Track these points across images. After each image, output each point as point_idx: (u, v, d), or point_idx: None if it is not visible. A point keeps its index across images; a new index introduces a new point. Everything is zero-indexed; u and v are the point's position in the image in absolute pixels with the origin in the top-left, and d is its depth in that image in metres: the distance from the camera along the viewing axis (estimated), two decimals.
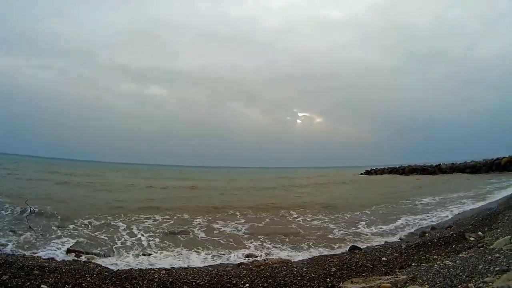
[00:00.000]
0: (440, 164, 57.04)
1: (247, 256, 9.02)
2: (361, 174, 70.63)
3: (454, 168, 50.42)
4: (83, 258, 7.99)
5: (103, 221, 12.61)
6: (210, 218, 14.25)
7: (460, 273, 4.90)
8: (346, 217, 14.80)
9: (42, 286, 5.33)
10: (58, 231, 10.80)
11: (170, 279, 6.13)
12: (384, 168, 69.29)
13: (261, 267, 7.43)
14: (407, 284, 4.96)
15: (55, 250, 8.62)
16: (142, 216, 13.94)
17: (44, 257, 7.83)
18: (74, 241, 9.64)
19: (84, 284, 5.55)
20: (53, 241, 9.62)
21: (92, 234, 10.75)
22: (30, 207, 12.90)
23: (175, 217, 14.21)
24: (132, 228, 11.79)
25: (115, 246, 9.60)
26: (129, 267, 7.31)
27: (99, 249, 8.87)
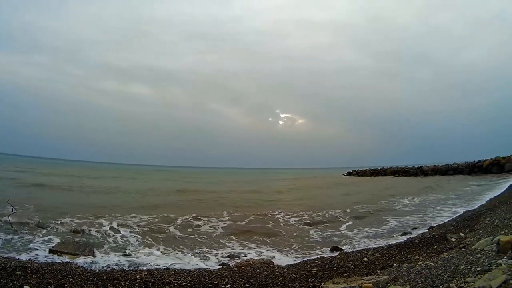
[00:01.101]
0: (422, 166, 58.30)
1: (229, 256, 9.01)
2: (344, 175, 71.63)
3: (436, 170, 51.65)
4: (66, 258, 7.94)
5: (85, 221, 12.57)
6: (194, 218, 14.27)
7: (442, 274, 4.96)
8: (328, 218, 14.89)
9: (24, 286, 5.32)
10: (40, 231, 10.68)
11: (152, 280, 6.16)
12: (366, 169, 70.58)
13: (243, 267, 7.43)
14: (389, 284, 4.97)
15: (38, 251, 8.53)
16: (126, 216, 13.91)
17: (26, 258, 7.77)
18: (57, 241, 9.56)
19: (66, 285, 5.56)
20: (36, 241, 9.52)
21: (74, 234, 10.68)
22: (12, 207, 12.45)
23: (159, 216, 14.29)
24: (115, 228, 11.74)
25: (98, 246, 9.54)
26: (111, 268, 7.31)
27: (81, 249, 8.79)
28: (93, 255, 8.50)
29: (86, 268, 7.07)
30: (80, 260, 7.79)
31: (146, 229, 11.88)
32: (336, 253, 8.78)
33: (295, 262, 8.05)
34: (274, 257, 8.97)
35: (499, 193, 18.96)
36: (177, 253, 9.19)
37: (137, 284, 5.89)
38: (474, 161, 48.33)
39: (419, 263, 6.19)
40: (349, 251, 9.08)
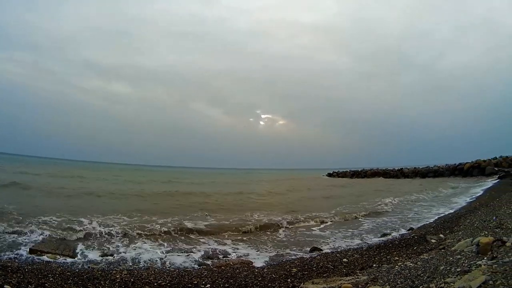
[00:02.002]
0: (402, 168, 59.40)
1: (208, 256, 8.96)
2: (323, 176, 72.37)
3: (416, 172, 52.69)
4: (46, 257, 7.89)
5: (65, 220, 12.49)
6: (175, 218, 14.15)
7: (422, 274, 4.99)
8: (307, 218, 14.86)
9: (5, 286, 5.31)
10: (20, 230, 10.49)
11: (132, 279, 6.22)
12: (347, 171, 71.63)
13: (222, 267, 7.46)
14: (368, 284, 4.97)
15: (18, 250, 8.42)
16: (107, 216, 13.81)
17: (6, 257, 7.70)
18: (37, 240, 9.51)
19: (46, 284, 5.57)
20: (15, 241, 9.44)
21: (55, 233, 10.56)
22: None
23: (140, 217, 14.10)
24: (96, 228, 11.65)
25: (78, 245, 9.49)
26: (91, 267, 7.29)
27: (61, 248, 8.74)
28: (74, 255, 8.48)
29: (67, 267, 7.04)
30: (61, 260, 7.81)
31: (127, 228, 11.78)
32: (316, 254, 8.79)
33: (275, 262, 8.05)
34: (253, 257, 8.93)
35: (477, 196, 19.38)
36: (157, 253, 9.17)
37: (117, 284, 5.91)
38: (455, 164, 49.55)
39: (398, 264, 6.24)
40: (329, 251, 9.11)
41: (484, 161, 44.09)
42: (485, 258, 4.77)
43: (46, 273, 6.17)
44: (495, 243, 5.26)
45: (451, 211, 14.80)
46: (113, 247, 9.52)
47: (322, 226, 13.37)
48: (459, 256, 5.42)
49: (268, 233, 12.07)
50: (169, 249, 9.64)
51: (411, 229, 11.58)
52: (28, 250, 8.35)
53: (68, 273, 6.35)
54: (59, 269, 6.68)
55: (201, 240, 10.87)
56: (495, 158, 46.58)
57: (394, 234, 11.07)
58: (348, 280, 5.28)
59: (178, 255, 9.00)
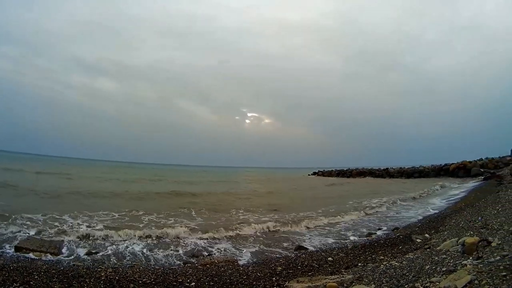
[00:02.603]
0: (388, 168, 60.13)
1: (194, 254, 8.98)
2: (309, 175, 72.73)
3: (402, 172, 53.45)
4: (31, 255, 7.92)
5: (51, 217, 12.54)
6: (161, 216, 14.33)
7: (407, 273, 5.01)
8: (292, 218, 14.97)
9: None
10: (6, 227, 10.50)
11: (117, 277, 6.24)
12: (332, 170, 72.22)
13: (207, 265, 7.48)
14: (353, 283, 4.96)
15: (2, 248, 8.41)
16: (93, 213, 13.85)
17: None
18: (22, 238, 9.46)
19: (32, 282, 5.57)
20: (1, 238, 9.46)
21: (40, 231, 10.56)
22: None
23: (126, 215, 14.27)
24: (81, 225, 11.82)
25: (63, 243, 9.44)
26: (76, 265, 7.31)
27: (46, 246, 8.70)
28: (59, 252, 8.49)
29: (52, 265, 7.03)
30: (46, 258, 7.83)
31: (112, 226, 11.87)
32: (301, 252, 8.79)
33: (260, 261, 8.08)
34: (238, 256, 9.00)
35: (460, 196, 19.69)
36: (142, 251, 9.22)
37: (102, 282, 5.92)
38: (441, 165, 50.33)
39: (384, 263, 6.26)
40: (314, 250, 9.15)
41: (470, 162, 44.93)
42: (471, 258, 4.79)
43: (31, 271, 6.17)
44: (480, 243, 5.29)
45: (436, 211, 15.02)
46: (98, 245, 9.53)
47: (307, 225, 13.36)
48: (444, 256, 5.45)
49: (253, 232, 12.06)
50: (154, 247, 9.66)
51: (396, 228, 11.69)
52: (13, 247, 8.35)
53: (54, 271, 6.32)
54: (45, 267, 6.67)
55: (186, 238, 10.88)
56: (481, 159, 47.53)
57: (380, 233, 11.16)
58: (333, 279, 5.27)
59: (163, 253, 9.07)
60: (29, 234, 10.07)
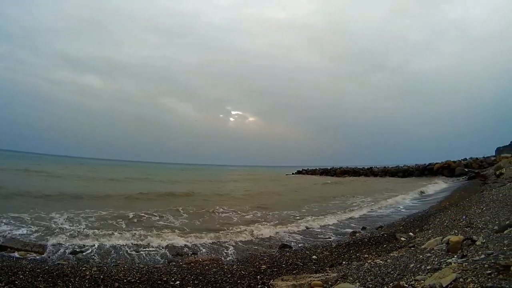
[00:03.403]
0: (372, 167, 60.91)
1: (178, 253, 9.01)
2: (293, 174, 73.14)
3: (386, 172, 54.22)
4: (16, 254, 7.96)
5: (36, 215, 12.67)
6: (146, 215, 14.26)
7: (392, 272, 5.05)
8: (276, 216, 15.14)
9: None
10: None
11: (102, 276, 6.25)
12: (316, 168, 72.84)
13: (192, 264, 7.49)
14: (338, 282, 4.97)
15: None
16: (78, 211, 13.94)
17: None
18: (7, 237, 9.55)
19: (17, 282, 5.61)
20: None
21: (25, 230, 10.62)
22: None
23: (112, 213, 14.25)
24: (66, 224, 11.86)
25: (48, 242, 9.45)
26: (61, 264, 7.29)
27: (31, 245, 8.74)
28: (44, 251, 8.50)
29: (37, 264, 7.00)
30: (31, 257, 7.86)
31: (97, 225, 11.97)
32: (285, 251, 8.81)
33: (244, 259, 8.10)
34: (223, 254, 9.05)
35: (447, 195, 19.99)
36: (127, 249, 9.26)
37: (86, 281, 5.97)
38: (425, 164, 51.13)
39: (368, 261, 6.34)
40: (298, 248, 9.18)
41: (454, 162, 45.77)
42: (455, 256, 4.83)
43: (16, 270, 6.18)
44: (465, 241, 5.35)
45: (420, 210, 15.21)
46: (83, 244, 9.56)
47: (292, 223, 13.41)
48: (429, 254, 5.51)
49: (238, 230, 12.07)
50: (138, 246, 9.73)
51: (381, 227, 11.81)
52: None
53: (39, 270, 6.35)
54: (30, 266, 6.68)
55: (170, 237, 10.94)
56: (465, 159, 48.49)
57: (364, 232, 11.25)
58: (318, 277, 5.26)
59: (148, 252, 9.15)
60: (13, 233, 10.09)
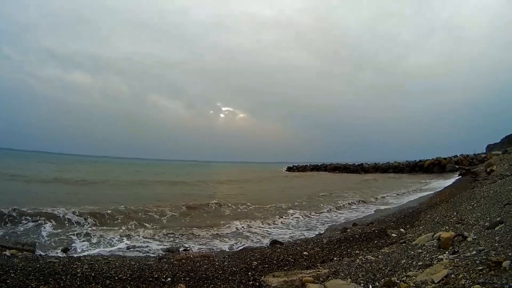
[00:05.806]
0: (362, 163, 61.54)
1: (169, 250, 9.08)
2: (284, 170, 73.50)
3: (376, 168, 55.01)
4: (7, 253, 7.86)
5: (26, 214, 12.38)
6: (137, 212, 14.22)
7: (383, 268, 5.16)
8: (267, 212, 15.23)
9: None
10: None
11: (93, 274, 6.25)
12: (307, 165, 73.47)
13: (183, 260, 7.48)
14: (329, 277, 5.04)
15: None
16: (69, 209, 13.58)
17: None
18: None
19: (8, 280, 5.59)
20: None
21: (16, 227, 10.86)
22: None
23: (102, 210, 13.93)
24: (56, 220, 11.89)
25: (39, 240, 9.66)
26: (52, 262, 7.20)
27: (22, 243, 8.74)
28: (35, 249, 8.53)
29: (28, 262, 6.94)
30: (22, 255, 7.75)
31: (88, 223, 12.08)
32: (276, 247, 8.87)
33: (235, 255, 8.13)
34: (214, 250, 9.14)
35: (438, 192, 20.31)
36: (118, 246, 9.47)
37: (78, 278, 5.96)
38: (415, 161, 51.84)
39: (359, 257, 6.43)
40: (289, 244, 9.26)
41: (445, 158, 46.51)
42: (447, 253, 4.97)
43: (7, 268, 6.15)
44: (456, 237, 5.49)
45: (411, 205, 15.44)
46: (74, 242, 9.75)
47: (282, 219, 13.60)
48: (420, 250, 5.64)
49: (229, 226, 12.23)
50: (130, 243, 9.88)
51: (372, 223, 11.96)
52: None
53: (30, 269, 6.32)
54: (21, 264, 6.65)
55: (161, 233, 11.08)
56: (456, 156, 49.25)
57: (355, 228, 11.37)
58: (309, 273, 5.33)
59: (139, 249, 9.32)
60: (4, 230, 10.27)
